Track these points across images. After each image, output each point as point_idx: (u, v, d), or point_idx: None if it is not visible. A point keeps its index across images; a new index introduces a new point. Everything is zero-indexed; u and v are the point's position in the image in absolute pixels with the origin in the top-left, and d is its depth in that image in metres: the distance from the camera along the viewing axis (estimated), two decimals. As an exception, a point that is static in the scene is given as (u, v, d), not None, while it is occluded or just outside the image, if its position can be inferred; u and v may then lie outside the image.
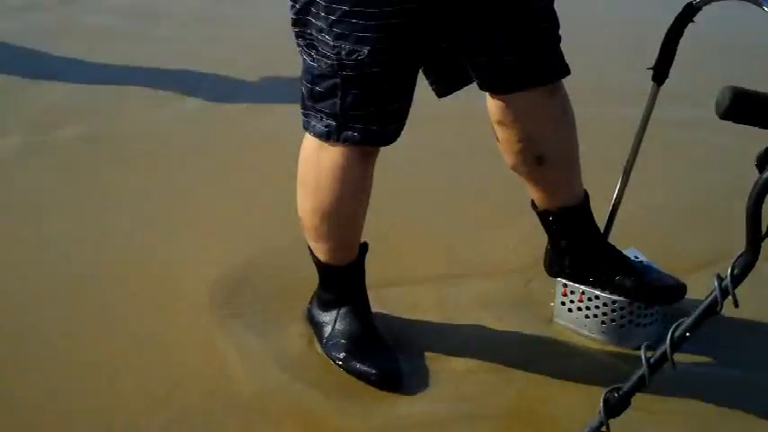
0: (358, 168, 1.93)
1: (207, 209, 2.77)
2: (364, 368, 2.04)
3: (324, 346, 2.11)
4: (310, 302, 2.20)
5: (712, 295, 1.49)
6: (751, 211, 1.39)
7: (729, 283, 1.44)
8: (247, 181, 2.96)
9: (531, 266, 2.49)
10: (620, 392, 1.56)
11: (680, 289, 2.20)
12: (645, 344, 1.57)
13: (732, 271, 1.45)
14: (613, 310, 2.23)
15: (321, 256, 2.06)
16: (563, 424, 1.97)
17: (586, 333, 2.28)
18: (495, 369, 2.14)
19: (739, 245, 1.41)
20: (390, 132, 1.89)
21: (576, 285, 2.26)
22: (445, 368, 2.12)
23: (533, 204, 2.16)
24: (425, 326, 2.27)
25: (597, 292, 2.23)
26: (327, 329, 2.12)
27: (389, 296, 2.36)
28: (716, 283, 1.46)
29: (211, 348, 2.11)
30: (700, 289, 2.47)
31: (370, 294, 2.26)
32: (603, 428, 1.55)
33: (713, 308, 1.52)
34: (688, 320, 1.54)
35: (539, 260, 2.35)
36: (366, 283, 2.15)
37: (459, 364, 2.14)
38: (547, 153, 1.99)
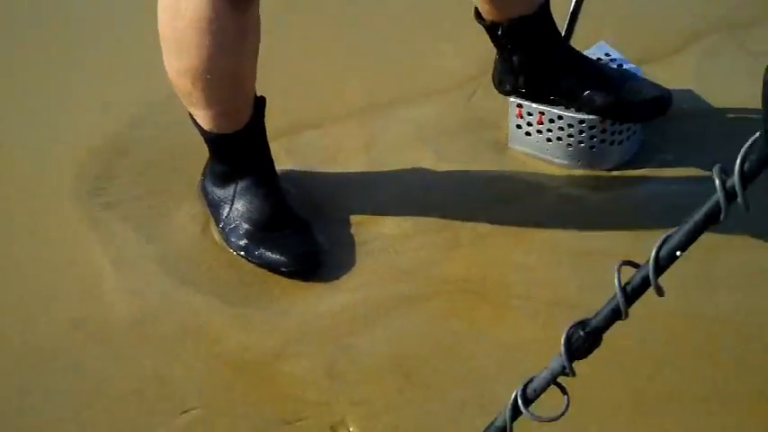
0: (230, 19, 1.48)
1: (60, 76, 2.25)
2: (273, 256, 1.68)
3: (221, 231, 1.73)
4: (203, 174, 1.80)
5: (713, 199, 1.06)
6: None
7: (737, 182, 1.01)
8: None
9: (475, 77, 2.07)
10: (588, 328, 1.19)
11: (663, 101, 1.81)
12: (619, 262, 1.17)
13: (742, 165, 1.01)
14: (581, 131, 1.84)
15: (204, 125, 1.64)
16: (524, 291, 1.65)
17: (549, 158, 1.91)
18: (438, 227, 1.78)
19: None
20: None
21: (534, 105, 1.85)
22: (376, 236, 1.76)
23: (477, 15, 1.74)
24: (349, 180, 1.88)
25: (560, 112, 1.83)
26: (225, 210, 1.73)
27: (302, 143, 1.96)
28: (717, 182, 1.03)
29: (80, 257, 1.73)
30: (687, 71, 2.12)
31: (280, 145, 1.88)
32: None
33: (713, 216, 1.09)
34: (678, 234, 1.12)
35: (484, 69, 1.94)
36: (271, 137, 1.76)
37: (392, 227, 1.78)
38: None
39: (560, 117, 1.84)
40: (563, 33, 1.86)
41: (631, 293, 1.12)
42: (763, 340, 1.54)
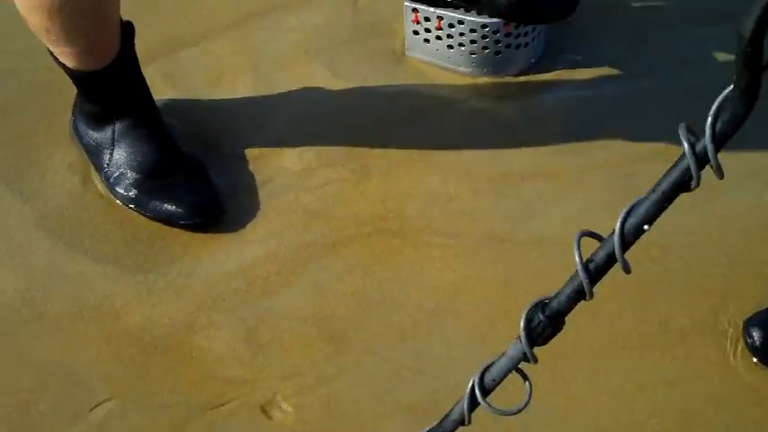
0: None
1: None
2: (169, 208, 1.52)
3: (105, 181, 1.54)
4: (73, 113, 1.59)
5: (681, 165, 0.96)
6: (749, 34, 0.83)
7: (709, 146, 0.91)
8: None
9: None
10: (549, 312, 1.10)
11: (570, 0, 1.67)
12: (578, 234, 1.07)
13: (713, 126, 0.91)
14: (484, 36, 1.72)
15: (67, 63, 1.43)
16: (446, 226, 1.55)
17: (451, 66, 1.78)
18: (343, 157, 1.65)
19: None
20: None
21: (431, 9, 1.71)
22: (277, 172, 1.62)
23: None
24: (239, 106, 1.71)
25: (460, 16, 1.69)
26: (105, 156, 1.55)
27: (181, 65, 1.77)
28: (686, 146, 0.92)
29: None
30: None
31: (156, 69, 1.71)
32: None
33: (683, 184, 0.99)
34: (644, 205, 1.02)
35: None
36: (144, 61, 1.57)
37: (293, 160, 1.64)
38: None
39: (461, 21, 1.71)
40: None
41: (595, 272, 1.03)
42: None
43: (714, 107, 0.89)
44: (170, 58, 1.76)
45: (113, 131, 1.53)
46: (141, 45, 1.53)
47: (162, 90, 1.70)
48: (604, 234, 0.91)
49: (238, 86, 1.73)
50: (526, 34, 1.75)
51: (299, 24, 1.85)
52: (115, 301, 1.43)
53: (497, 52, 1.74)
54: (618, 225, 0.98)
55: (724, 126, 0.88)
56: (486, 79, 1.77)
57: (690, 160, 0.92)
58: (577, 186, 1.59)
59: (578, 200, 1.57)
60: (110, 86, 1.50)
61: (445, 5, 1.70)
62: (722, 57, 1.83)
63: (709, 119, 0.89)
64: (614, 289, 1.36)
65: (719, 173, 0.89)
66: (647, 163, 1.63)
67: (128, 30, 1.50)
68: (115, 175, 1.53)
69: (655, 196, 0.95)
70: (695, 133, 0.94)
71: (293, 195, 1.58)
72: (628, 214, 0.98)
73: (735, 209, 1.53)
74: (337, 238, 1.52)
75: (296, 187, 1.59)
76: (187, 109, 1.69)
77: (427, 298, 1.44)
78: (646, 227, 0.97)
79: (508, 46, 1.74)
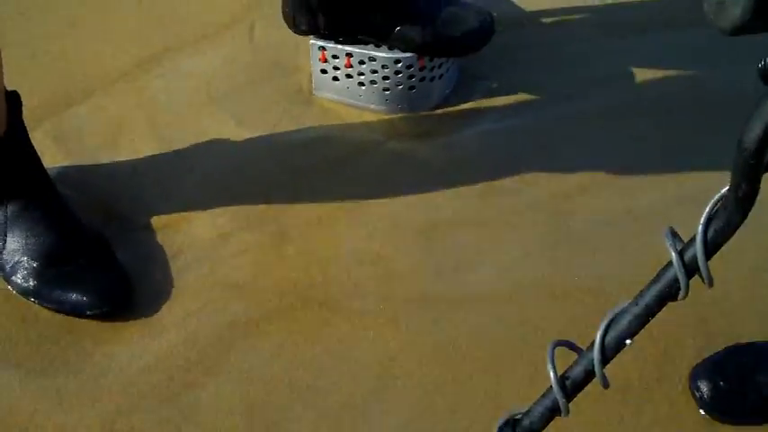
0: None
1: None
2: (74, 297, 1.41)
3: (1, 271, 1.42)
4: (-44, 198, 1.46)
5: (667, 275, 0.91)
6: (754, 146, 0.78)
7: (700, 253, 0.86)
8: None
9: (253, 7, 1.79)
10: (521, 429, 1.04)
11: (485, 30, 1.63)
12: (552, 344, 1.01)
13: (704, 234, 0.86)
14: (397, 72, 1.63)
15: None
16: (375, 289, 1.48)
17: (364, 105, 1.69)
18: (258, 218, 1.56)
19: None
20: None
21: (339, 47, 1.62)
22: (189, 242, 1.53)
23: None
24: (139, 168, 1.60)
25: (371, 53, 1.60)
26: (-2, 244, 1.42)
27: (72, 126, 1.67)
28: (674, 256, 0.88)
29: None
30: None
31: (44, 133, 1.64)
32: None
33: (670, 296, 0.94)
34: (627, 316, 0.97)
35: (260, 3, 1.74)
36: (31, 124, 1.45)
37: (205, 226, 1.55)
38: None
39: (372, 58, 1.62)
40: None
41: (572, 389, 0.97)
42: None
43: (705, 214, 0.83)
44: (59, 119, 1.64)
45: (5, 215, 1.42)
46: (25, 106, 1.42)
47: (54, 156, 1.58)
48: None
49: (138, 146, 1.62)
50: (440, 66, 1.68)
51: (196, 69, 1.74)
52: (22, 413, 1.31)
53: (411, 87, 1.66)
54: (598, 338, 0.92)
55: (717, 234, 0.82)
56: (401, 116, 1.69)
57: (678, 270, 0.86)
58: (510, 231, 1.53)
59: (512, 247, 1.51)
60: (-2, 167, 1.38)
61: (354, 42, 1.61)
62: (638, 71, 1.78)
63: (701, 226, 0.83)
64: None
65: (710, 281, 0.84)
66: (576, 199, 1.58)
67: (13, 102, 1.37)
68: (10, 265, 1.41)
69: (638, 310, 0.89)
70: (678, 237, 0.88)
71: (208, 268, 1.48)
72: (608, 327, 0.92)
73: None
74: (260, 314, 1.43)
75: (210, 258, 1.49)
76: (84, 176, 1.57)
77: (362, 373, 1.37)
78: (628, 341, 0.91)
79: (422, 80, 1.66)
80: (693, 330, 1.40)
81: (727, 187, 0.80)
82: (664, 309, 1.33)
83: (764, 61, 0.70)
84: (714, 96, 1.67)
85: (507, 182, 1.60)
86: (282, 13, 1.59)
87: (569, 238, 1.52)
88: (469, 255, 1.50)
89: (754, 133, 0.74)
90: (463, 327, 1.41)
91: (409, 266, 1.49)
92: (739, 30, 0.63)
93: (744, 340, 1.34)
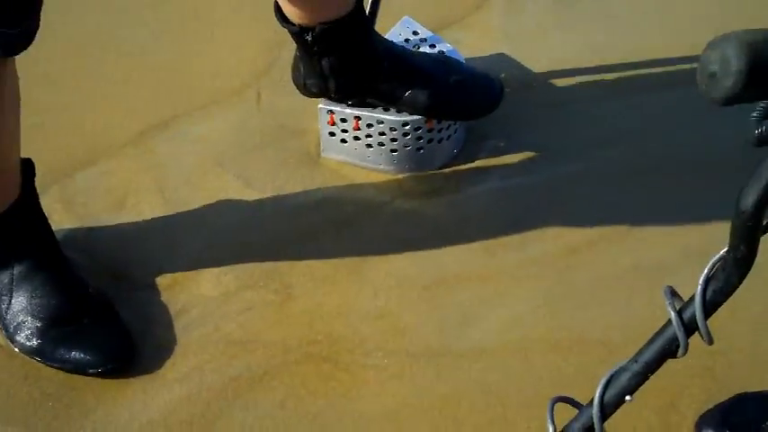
0: None
1: None
2: (77, 356, 1.42)
3: (4, 330, 1.44)
4: (-38, 256, 1.49)
5: (666, 333, 0.91)
6: (751, 209, 0.79)
7: (699, 313, 0.87)
8: None
9: (257, 74, 1.86)
10: None
11: (494, 96, 1.66)
12: (552, 401, 1.01)
13: (703, 294, 0.86)
14: (405, 134, 1.66)
15: None
16: (380, 344, 1.48)
17: (371, 166, 1.71)
18: (264, 276, 1.58)
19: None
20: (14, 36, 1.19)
21: (348, 110, 1.64)
22: (193, 301, 1.55)
23: (281, 17, 1.49)
24: (146, 230, 1.63)
25: (379, 116, 1.63)
26: (2, 304, 1.44)
27: (79, 189, 1.69)
28: (672, 315, 0.88)
29: None
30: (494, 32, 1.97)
31: (52, 197, 1.66)
32: None
33: (669, 353, 0.94)
34: (626, 373, 0.97)
35: (267, 61, 1.81)
36: (39, 188, 1.48)
37: (210, 285, 1.56)
38: None
39: (380, 121, 1.64)
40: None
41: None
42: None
43: (704, 274, 0.85)
44: (67, 183, 1.67)
45: (11, 276, 1.44)
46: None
47: (61, 219, 1.61)
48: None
49: (144, 209, 1.64)
50: (448, 127, 1.70)
51: (204, 133, 1.77)
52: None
53: (419, 148, 1.68)
54: (597, 395, 0.92)
55: (716, 294, 0.83)
56: (408, 176, 1.71)
57: (677, 329, 0.87)
58: (514, 286, 1.53)
59: (516, 302, 1.51)
60: (8, 232, 1.40)
61: (363, 105, 1.64)
62: (644, 130, 1.80)
63: (699, 286, 0.84)
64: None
65: (709, 340, 0.85)
66: (583, 254, 1.58)
67: (27, 169, 1.41)
68: (14, 325, 1.43)
69: (637, 367, 0.90)
70: (677, 296, 0.89)
71: (212, 325, 1.49)
72: (608, 383, 0.92)
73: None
74: (264, 369, 1.43)
75: (215, 315, 1.50)
76: (90, 239, 1.59)
77: (367, 427, 1.36)
78: (627, 398, 0.92)
79: (430, 141, 1.68)
80: (699, 380, 1.39)
81: (726, 248, 0.82)
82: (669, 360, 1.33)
83: (762, 127, 0.72)
84: (719, 154, 1.68)
85: (513, 238, 1.61)
86: (292, 77, 1.62)
87: (575, 292, 1.52)
88: (474, 309, 1.50)
89: (750, 197, 0.76)
90: (468, 380, 1.41)
91: (414, 321, 1.49)
92: (731, 100, 0.64)
93: (750, 390, 1.32)
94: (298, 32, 1.48)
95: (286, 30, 1.48)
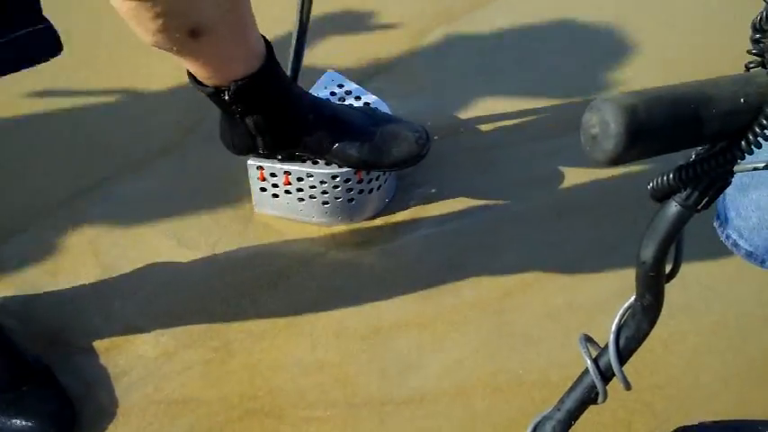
0: None
1: None
2: (19, 424, 1.46)
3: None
4: None
5: (584, 381, 0.98)
6: (651, 261, 0.85)
7: (614, 361, 0.93)
8: None
9: (187, 131, 1.91)
10: None
11: (421, 144, 1.70)
12: None
13: (616, 341, 0.93)
14: (335, 186, 1.71)
15: None
16: (321, 397, 1.54)
17: (304, 219, 1.77)
18: (202, 335, 1.61)
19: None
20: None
21: (278, 165, 1.70)
22: (133, 362, 1.58)
23: (194, 80, 1.47)
24: (82, 295, 1.67)
25: (309, 169, 1.69)
26: (-64, 377, 1.46)
27: (11, 255, 1.74)
28: (588, 363, 0.95)
29: None
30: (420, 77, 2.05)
31: None
32: None
33: (590, 400, 1.00)
34: (551, 422, 1.05)
35: (199, 121, 1.85)
36: None
37: (149, 346, 1.61)
38: (203, 22, 1.30)
39: (310, 174, 1.70)
40: (289, 74, 1.69)
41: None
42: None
43: (615, 322, 0.91)
44: (0, 249, 1.69)
45: (-57, 348, 1.46)
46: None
47: (-8, 289, 1.63)
48: None
49: (79, 272, 1.68)
50: (378, 177, 1.77)
51: (135, 194, 1.82)
52: None
53: (350, 199, 1.75)
54: None
55: (629, 341, 0.89)
56: (342, 227, 1.77)
57: (594, 378, 0.93)
58: (452, 331, 1.60)
59: (455, 347, 1.57)
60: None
61: (292, 159, 1.70)
62: (570, 171, 1.88)
63: (612, 335, 0.90)
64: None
65: (627, 385, 0.91)
66: (517, 296, 1.65)
67: None
68: (-51, 398, 1.45)
69: (560, 415, 0.96)
70: (593, 342, 0.95)
71: (153, 386, 1.53)
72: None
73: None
74: (207, 428, 1.48)
75: (155, 376, 1.54)
76: (25, 306, 1.62)
77: (312, 482, 1.40)
78: None
79: (361, 192, 1.75)
80: (640, 416, 1.47)
81: (634, 297, 0.88)
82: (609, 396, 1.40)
83: (654, 182, 0.76)
84: (644, 193, 1.76)
85: (448, 283, 1.68)
86: (220, 137, 1.62)
87: (512, 333, 1.59)
88: (413, 357, 1.56)
89: (650, 249, 0.81)
90: (411, 428, 1.46)
91: (354, 371, 1.54)
92: (614, 161, 0.64)
93: (690, 422, 1.39)
94: (213, 93, 1.46)
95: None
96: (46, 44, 1.30)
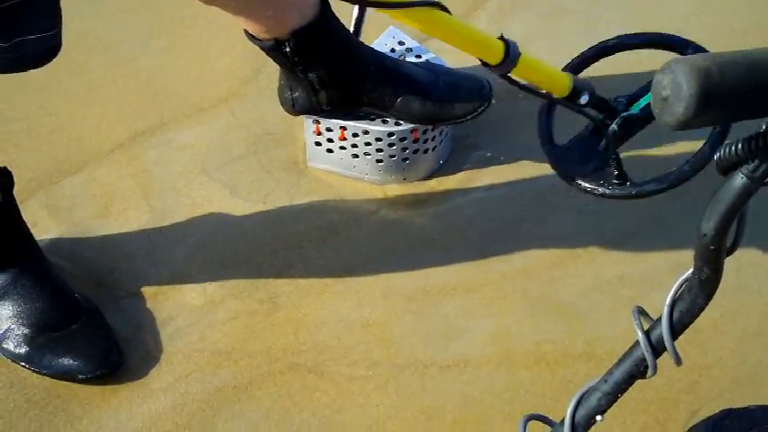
0: None
1: None
2: (66, 363, 1.48)
3: (-9, 339, 1.48)
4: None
5: (634, 354, 0.96)
6: (713, 233, 0.83)
7: (666, 335, 0.91)
8: None
9: (246, 80, 1.92)
10: None
11: (484, 94, 1.66)
12: (524, 418, 1.06)
13: (670, 315, 0.91)
14: (391, 144, 1.70)
15: None
16: (365, 355, 1.54)
17: (357, 175, 1.76)
18: (249, 286, 1.63)
19: None
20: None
21: (334, 120, 1.69)
22: (179, 310, 1.60)
23: (251, 37, 1.46)
24: (132, 239, 1.69)
25: (365, 126, 1.68)
26: (-11, 312, 1.48)
27: (65, 196, 1.76)
28: (640, 335, 0.93)
29: None
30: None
31: (38, 203, 1.72)
32: None
33: (639, 375, 0.98)
34: (597, 393, 1.02)
35: (255, 68, 1.83)
36: (23, 194, 1.60)
37: (195, 294, 1.61)
38: None
39: (366, 131, 1.69)
40: (351, 29, 1.68)
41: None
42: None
43: (670, 295, 0.89)
44: (52, 190, 1.72)
45: (-6, 287, 1.48)
46: (18, 177, 1.50)
47: (46, 226, 1.65)
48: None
49: (130, 216, 1.69)
50: (434, 138, 1.75)
51: (191, 140, 1.82)
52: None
53: (405, 159, 1.74)
54: (568, 416, 0.97)
55: (683, 315, 0.87)
56: (394, 186, 1.76)
57: (645, 351, 0.91)
58: (499, 298, 1.59)
59: (502, 314, 1.56)
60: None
61: (355, 117, 1.68)
62: (636, 141, 1.84)
63: (666, 308, 0.88)
64: None
65: (677, 360, 0.89)
66: (567, 266, 1.64)
67: (4, 178, 1.45)
68: (2, 332, 1.48)
69: (607, 387, 0.95)
70: (647, 315, 0.93)
71: (198, 334, 1.54)
72: (578, 403, 0.97)
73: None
74: (249, 379, 1.48)
75: (200, 325, 1.55)
76: (75, 246, 1.64)
77: (351, 440, 1.41)
78: (598, 417, 0.96)
79: (416, 151, 1.73)
80: (685, 395, 1.45)
81: (691, 270, 0.86)
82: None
83: (721, 152, 0.73)
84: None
85: (498, 249, 1.66)
86: (280, 99, 1.59)
87: (560, 303, 1.58)
88: (460, 321, 1.55)
89: (711, 221, 0.79)
90: (453, 392, 1.46)
91: (399, 332, 1.54)
92: (684, 125, 0.63)
93: (736, 405, 1.37)
94: (274, 47, 1.42)
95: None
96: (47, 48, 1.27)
